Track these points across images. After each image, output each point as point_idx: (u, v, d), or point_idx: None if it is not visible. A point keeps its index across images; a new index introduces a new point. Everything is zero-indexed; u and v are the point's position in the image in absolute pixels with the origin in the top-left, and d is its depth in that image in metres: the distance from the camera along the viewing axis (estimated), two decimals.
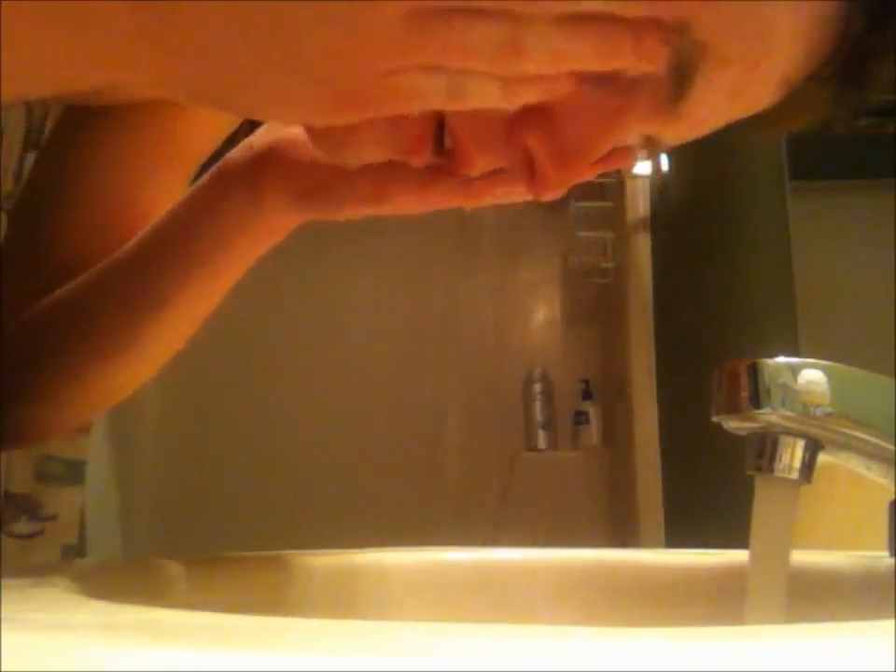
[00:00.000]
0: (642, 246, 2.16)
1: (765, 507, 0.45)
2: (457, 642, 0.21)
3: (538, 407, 2.65)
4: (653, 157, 2.14)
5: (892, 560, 0.49)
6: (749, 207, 1.77)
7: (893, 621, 0.20)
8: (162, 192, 0.64)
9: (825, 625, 0.21)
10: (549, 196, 0.42)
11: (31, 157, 1.51)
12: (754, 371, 0.43)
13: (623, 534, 2.30)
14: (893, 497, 0.49)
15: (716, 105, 0.40)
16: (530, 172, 0.41)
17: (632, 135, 0.41)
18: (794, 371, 0.43)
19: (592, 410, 2.66)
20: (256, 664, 0.18)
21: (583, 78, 0.39)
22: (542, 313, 2.91)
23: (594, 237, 2.55)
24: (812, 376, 0.42)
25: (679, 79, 0.38)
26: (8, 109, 0.73)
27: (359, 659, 0.19)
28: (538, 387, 2.67)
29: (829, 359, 0.44)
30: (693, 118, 0.40)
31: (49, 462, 1.41)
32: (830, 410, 0.43)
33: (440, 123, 0.40)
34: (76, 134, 0.65)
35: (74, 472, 1.41)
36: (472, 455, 2.69)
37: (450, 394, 2.75)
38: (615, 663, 0.18)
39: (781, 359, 0.43)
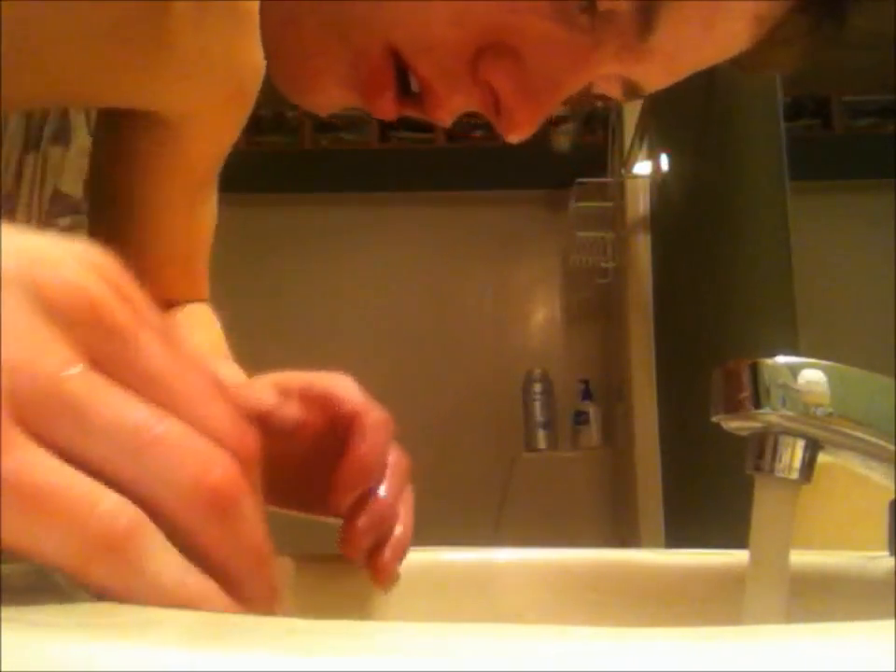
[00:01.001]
0: (642, 246, 2.16)
1: (765, 507, 0.45)
2: (457, 642, 0.21)
3: (538, 407, 2.65)
4: (653, 157, 2.14)
5: (892, 560, 0.49)
6: (749, 207, 1.77)
7: (893, 621, 0.20)
8: (165, 201, 0.68)
9: (825, 625, 0.21)
10: (518, 134, 0.41)
11: (31, 157, 1.52)
12: (754, 371, 0.43)
13: (622, 534, 2.30)
14: (893, 496, 0.49)
15: (687, 38, 0.40)
16: (496, 109, 0.41)
17: (603, 72, 0.41)
18: (794, 371, 0.43)
19: (592, 410, 2.66)
20: (256, 663, 0.18)
21: (550, 16, 0.39)
22: (542, 313, 2.91)
23: (594, 237, 2.55)
24: (812, 376, 0.42)
25: (645, 10, 0.38)
26: (9, 111, 0.75)
27: (359, 659, 0.19)
28: (538, 387, 2.67)
29: (829, 359, 0.44)
30: (665, 53, 0.40)
31: None
32: (830, 410, 0.43)
33: (402, 68, 0.40)
34: (112, 145, 0.66)
35: None
36: (472, 455, 2.69)
37: (450, 394, 2.75)
38: (615, 663, 0.18)
39: (781, 359, 0.43)
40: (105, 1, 0.47)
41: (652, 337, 2.10)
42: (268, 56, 0.44)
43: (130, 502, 0.23)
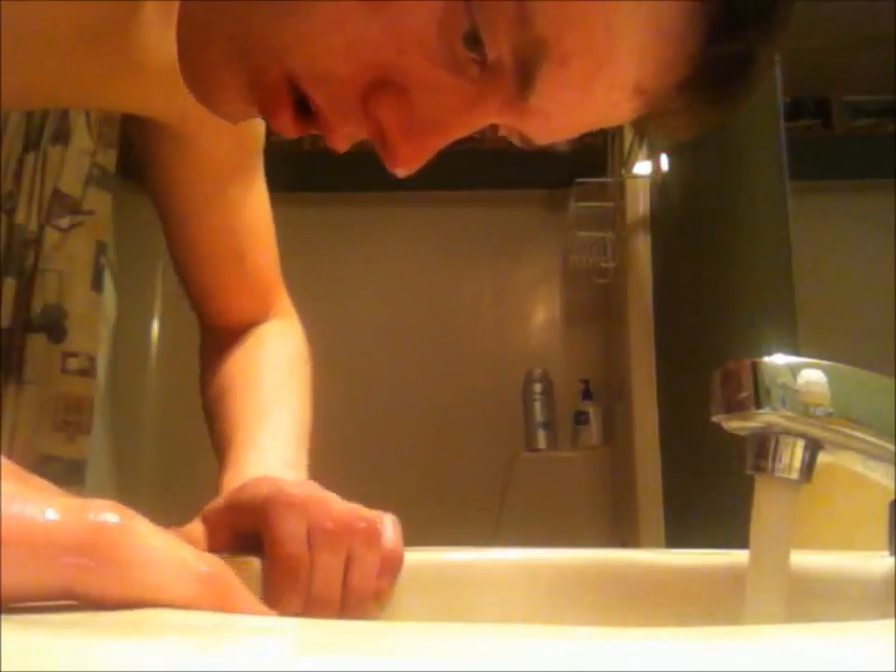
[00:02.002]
0: (642, 246, 2.16)
1: (765, 507, 0.45)
2: (457, 642, 0.21)
3: (538, 407, 2.65)
4: (653, 157, 2.14)
5: (892, 560, 0.49)
6: (749, 207, 1.77)
7: (893, 621, 0.20)
8: (200, 201, 0.71)
9: (825, 625, 0.21)
10: (401, 169, 0.43)
11: (31, 157, 1.51)
12: (754, 371, 0.43)
13: (622, 534, 2.30)
14: (893, 496, 0.49)
15: (566, 102, 0.41)
16: (383, 143, 0.42)
17: (485, 122, 0.42)
18: (794, 371, 0.43)
19: (592, 410, 2.65)
20: (256, 663, 0.18)
21: (438, 61, 0.40)
22: (542, 313, 2.91)
23: (594, 237, 2.55)
24: (812, 376, 0.42)
25: (524, 72, 0.40)
26: (9, 112, 0.77)
27: (359, 659, 0.19)
28: (538, 387, 2.67)
29: (829, 359, 0.44)
30: (544, 112, 0.41)
31: (49, 462, 1.41)
32: (830, 410, 0.43)
33: (299, 93, 0.41)
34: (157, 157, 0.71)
35: (74, 472, 1.40)
36: (472, 455, 2.69)
37: (450, 394, 2.75)
38: (615, 662, 0.18)
39: (781, 359, 0.43)
40: (72, 2, 0.48)
41: (652, 337, 2.10)
42: (181, 64, 0.45)
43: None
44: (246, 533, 0.54)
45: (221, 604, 0.28)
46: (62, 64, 0.51)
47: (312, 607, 0.51)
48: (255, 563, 0.53)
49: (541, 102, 0.41)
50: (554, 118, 0.42)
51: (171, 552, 0.27)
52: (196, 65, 0.44)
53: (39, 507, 0.25)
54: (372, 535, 0.53)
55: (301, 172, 2.74)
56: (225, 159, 0.70)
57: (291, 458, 0.65)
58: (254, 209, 0.74)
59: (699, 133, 0.45)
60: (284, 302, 0.80)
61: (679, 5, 0.39)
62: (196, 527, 0.55)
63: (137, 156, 0.71)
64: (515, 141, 0.44)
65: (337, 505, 0.54)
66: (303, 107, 0.42)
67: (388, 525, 0.55)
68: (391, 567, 0.54)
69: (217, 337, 0.76)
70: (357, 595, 0.52)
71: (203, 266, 0.74)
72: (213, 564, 0.28)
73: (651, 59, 0.40)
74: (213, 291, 0.76)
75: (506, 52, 0.39)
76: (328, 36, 0.40)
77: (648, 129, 0.45)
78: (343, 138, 0.43)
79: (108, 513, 0.26)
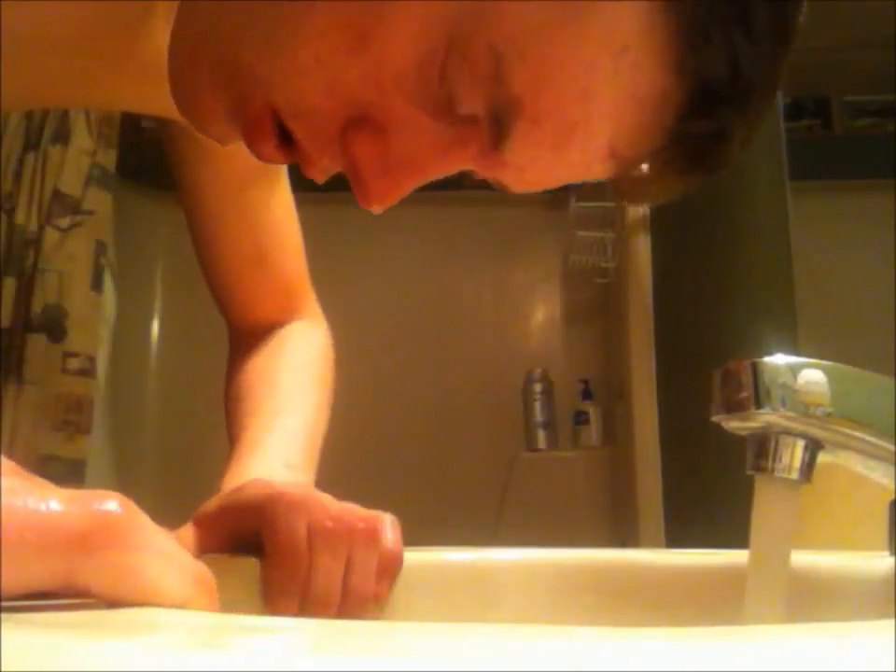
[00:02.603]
0: (642, 246, 2.16)
1: (765, 507, 0.45)
2: (457, 642, 0.21)
3: (538, 407, 2.65)
4: None
5: (892, 560, 0.49)
6: (749, 207, 1.77)
7: (893, 621, 0.20)
8: (220, 201, 0.72)
9: (825, 625, 0.21)
10: (374, 205, 0.44)
11: (31, 157, 1.51)
12: (754, 371, 0.43)
13: (622, 534, 2.30)
14: (893, 496, 0.49)
15: (540, 159, 0.41)
16: (356, 179, 0.43)
17: (460, 167, 0.43)
18: (794, 371, 0.43)
19: (592, 410, 2.65)
20: (256, 663, 0.18)
21: (417, 103, 0.40)
22: (542, 313, 2.91)
23: (594, 237, 2.55)
24: (812, 376, 0.42)
25: (498, 128, 0.40)
26: (9, 112, 0.77)
27: (359, 659, 0.19)
28: (538, 387, 2.66)
29: (829, 359, 0.44)
30: (518, 166, 0.42)
31: (49, 462, 1.40)
32: (830, 410, 0.43)
33: (281, 123, 0.42)
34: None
35: (74, 472, 1.40)
36: (472, 455, 2.69)
37: (450, 394, 2.75)
38: (615, 662, 0.18)
39: (781, 359, 0.43)
40: (80, 2, 0.48)
41: (652, 337, 2.10)
42: (171, 85, 0.45)
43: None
44: (241, 535, 0.54)
45: (211, 605, 0.28)
46: (69, 65, 0.51)
47: (311, 607, 0.51)
48: (253, 563, 0.53)
49: (515, 157, 0.41)
50: (528, 172, 0.42)
51: (171, 546, 0.27)
52: (184, 88, 0.45)
53: (41, 498, 0.25)
54: (372, 535, 0.53)
55: (299, 171, 2.73)
56: (247, 159, 0.70)
57: (295, 461, 0.65)
58: (277, 210, 0.74)
59: (671, 200, 0.46)
60: (310, 304, 0.80)
61: (655, 78, 0.39)
62: (187, 531, 0.55)
63: (166, 157, 0.71)
64: (494, 185, 0.45)
65: (335, 505, 0.54)
66: (286, 137, 0.43)
67: (388, 526, 0.55)
68: (390, 568, 0.54)
69: (242, 338, 0.77)
70: (357, 596, 0.52)
71: (226, 267, 0.75)
72: (202, 566, 0.29)
73: (626, 125, 0.40)
74: (236, 292, 0.76)
75: (480, 106, 0.40)
76: (310, 73, 0.40)
77: (621, 190, 0.46)
78: (321, 171, 0.44)
79: (111, 502, 0.26)
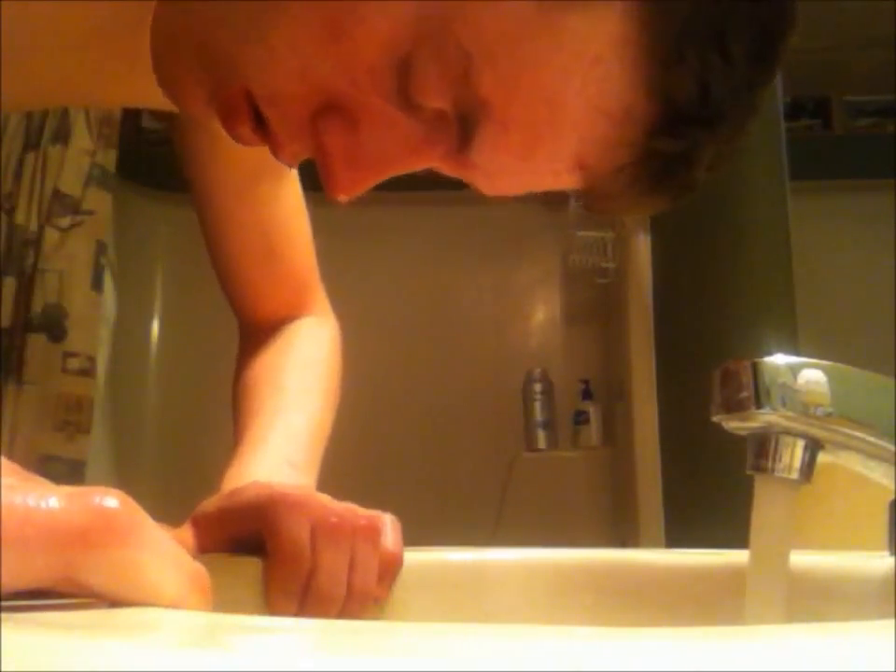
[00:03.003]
0: (642, 246, 2.16)
1: (765, 507, 0.45)
2: (457, 642, 0.21)
3: (538, 407, 2.65)
4: None
5: (892, 560, 0.49)
6: (749, 207, 1.77)
7: (893, 621, 0.20)
8: (228, 192, 0.72)
9: (825, 625, 0.21)
10: (340, 194, 0.44)
11: (31, 156, 1.51)
12: (754, 371, 0.43)
13: (622, 534, 2.30)
14: (893, 496, 0.49)
15: (505, 164, 0.41)
16: (323, 166, 0.43)
17: (428, 164, 0.43)
18: (794, 371, 0.43)
19: (592, 410, 2.65)
20: (256, 663, 0.18)
21: (389, 97, 0.41)
22: (542, 313, 2.91)
23: (594, 237, 2.55)
24: (812, 376, 0.42)
25: (464, 129, 0.40)
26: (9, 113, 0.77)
27: (360, 659, 0.19)
28: (538, 387, 2.66)
29: (829, 359, 0.44)
30: (484, 170, 0.42)
31: (49, 462, 1.41)
32: (830, 410, 0.43)
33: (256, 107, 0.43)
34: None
35: (74, 472, 1.40)
36: (472, 455, 2.69)
37: (450, 394, 2.75)
38: (615, 662, 0.18)
39: (781, 359, 0.43)
40: (88, 2, 0.48)
41: (652, 337, 2.10)
42: (154, 66, 0.46)
43: None
44: (240, 537, 0.54)
45: (205, 605, 0.28)
46: (84, 62, 0.51)
47: (315, 605, 0.51)
48: (253, 563, 0.53)
49: (482, 160, 0.41)
50: (495, 177, 0.43)
51: (169, 544, 0.27)
52: (165, 70, 0.46)
53: (41, 495, 0.25)
54: (374, 533, 0.53)
55: (301, 172, 2.73)
56: (257, 155, 0.70)
57: (298, 461, 0.65)
58: (286, 206, 0.74)
59: (639, 217, 0.46)
60: (320, 301, 0.80)
61: (624, 93, 0.39)
62: (185, 531, 0.55)
63: (175, 152, 0.71)
64: (467, 184, 0.45)
65: (336, 505, 0.54)
66: (262, 121, 0.43)
67: (388, 526, 0.55)
68: (390, 568, 0.54)
69: (251, 334, 0.77)
70: (359, 593, 0.52)
71: (235, 262, 0.75)
72: (199, 565, 0.29)
73: (593, 138, 0.40)
74: (245, 287, 0.76)
75: (447, 104, 0.40)
76: (284, 60, 0.41)
77: (589, 203, 0.46)
78: (291, 155, 0.45)
79: (110, 499, 0.26)
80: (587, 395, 2.70)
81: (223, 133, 0.68)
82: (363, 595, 0.53)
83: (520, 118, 0.39)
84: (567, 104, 0.39)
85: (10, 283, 1.46)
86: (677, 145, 0.41)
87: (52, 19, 0.48)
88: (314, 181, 0.75)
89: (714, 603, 0.54)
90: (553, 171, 0.42)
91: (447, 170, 0.44)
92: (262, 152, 0.70)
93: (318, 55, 0.40)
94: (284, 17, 0.40)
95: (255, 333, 0.76)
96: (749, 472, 0.45)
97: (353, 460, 2.50)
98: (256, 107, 0.43)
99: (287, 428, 0.67)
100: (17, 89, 0.52)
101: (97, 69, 0.53)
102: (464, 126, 0.40)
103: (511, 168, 0.42)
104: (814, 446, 0.44)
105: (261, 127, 0.43)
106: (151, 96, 0.59)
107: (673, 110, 0.39)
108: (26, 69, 0.50)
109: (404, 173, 0.44)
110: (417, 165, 0.43)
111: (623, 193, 0.43)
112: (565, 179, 0.42)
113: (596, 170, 0.42)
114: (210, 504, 0.57)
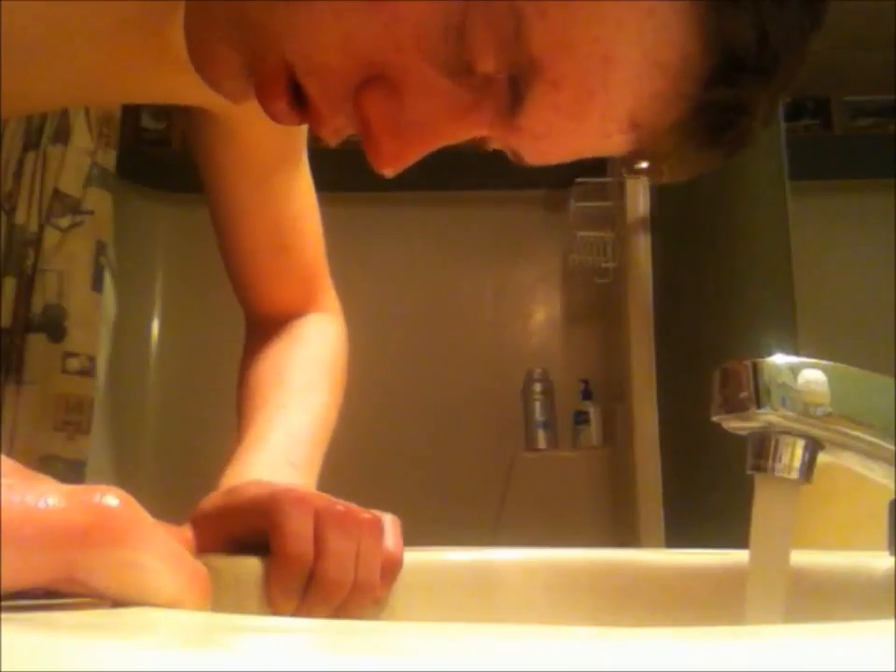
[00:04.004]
0: (642, 246, 2.16)
1: (765, 507, 0.45)
2: (457, 642, 0.21)
3: (538, 407, 2.65)
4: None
5: (892, 560, 0.49)
6: (749, 207, 1.77)
7: (893, 621, 0.20)
8: (240, 189, 0.72)
9: (825, 625, 0.21)
10: (386, 167, 0.42)
11: (31, 157, 1.51)
12: (754, 371, 0.43)
13: (622, 534, 2.30)
14: (893, 496, 0.49)
15: (557, 126, 0.40)
16: (368, 139, 0.42)
17: (475, 133, 0.42)
18: (794, 371, 0.43)
19: (592, 410, 2.65)
20: (256, 663, 0.18)
21: (435, 63, 0.39)
22: (542, 313, 2.91)
23: (594, 237, 2.55)
24: (812, 376, 0.42)
25: (515, 89, 0.39)
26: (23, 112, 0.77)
27: (360, 659, 0.19)
28: (538, 387, 2.66)
29: (829, 359, 0.44)
30: (534, 133, 0.41)
31: (49, 462, 1.41)
32: (830, 410, 0.42)
33: (295, 81, 0.42)
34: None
35: (74, 472, 1.40)
36: (472, 455, 2.69)
37: (450, 394, 2.75)
38: (615, 662, 0.18)
39: (781, 359, 0.43)
40: (111, 1, 0.48)
41: (652, 337, 2.10)
42: (187, 42, 0.45)
43: None
44: (240, 536, 0.53)
45: (204, 604, 0.28)
46: (106, 59, 0.51)
47: (320, 593, 0.51)
48: (253, 563, 0.53)
49: (532, 123, 0.40)
50: (544, 140, 0.41)
51: (169, 542, 0.27)
52: (199, 42, 0.44)
53: (40, 494, 0.25)
54: (376, 528, 0.53)
55: None
56: (269, 148, 0.70)
57: (297, 459, 0.65)
58: (298, 201, 0.74)
59: (689, 178, 0.45)
60: (328, 297, 0.80)
61: (681, 43, 0.38)
62: (185, 531, 0.55)
63: (189, 146, 0.71)
64: (510, 156, 0.44)
65: (338, 502, 0.54)
66: (299, 97, 0.42)
67: (388, 526, 0.55)
68: (391, 568, 0.54)
69: (258, 329, 0.76)
70: (362, 588, 0.52)
71: (245, 256, 0.74)
72: (199, 564, 0.29)
73: (648, 93, 0.39)
74: (255, 280, 0.76)
75: (499, 66, 0.39)
76: (326, 29, 0.39)
77: (638, 167, 0.45)
78: (333, 131, 0.43)
79: (110, 497, 0.26)
80: (587, 395, 2.70)
81: (239, 125, 0.67)
82: (366, 588, 0.52)
83: (572, 75, 0.38)
84: (621, 58, 0.38)
85: (10, 283, 1.46)
86: (733, 94, 0.40)
87: (79, 13, 0.47)
88: (316, 182, 0.75)
89: (714, 603, 0.54)
90: (605, 132, 0.41)
91: (493, 137, 0.42)
92: (278, 145, 0.70)
93: (362, 21, 0.39)
94: None
95: (262, 328, 0.76)
96: (749, 472, 0.45)
97: (353, 460, 2.50)
98: (295, 83, 0.41)
99: (289, 427, 0.66)
100: (42, 87, 0.52)
101: (125, 65, 0.52)
102: (514, 88, 0.39)
103: (561, 130, 0.40)
104: (814, 446, 0.44)
105: (300, 103, 0.42)
106: (178, 91, 0.58)
107: (730, 58, 0.38)
108: (52, 66, 0.49)
109: (450, 143, 0.42)
110: (464, 134, 0.42)
111: (676, 151, 0.42)
112: (616, 140, 0.41)
113: (650, 128, 0.40)
114: (209, 503, 0.56)
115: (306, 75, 0.41)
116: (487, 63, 0.39)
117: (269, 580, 0.52)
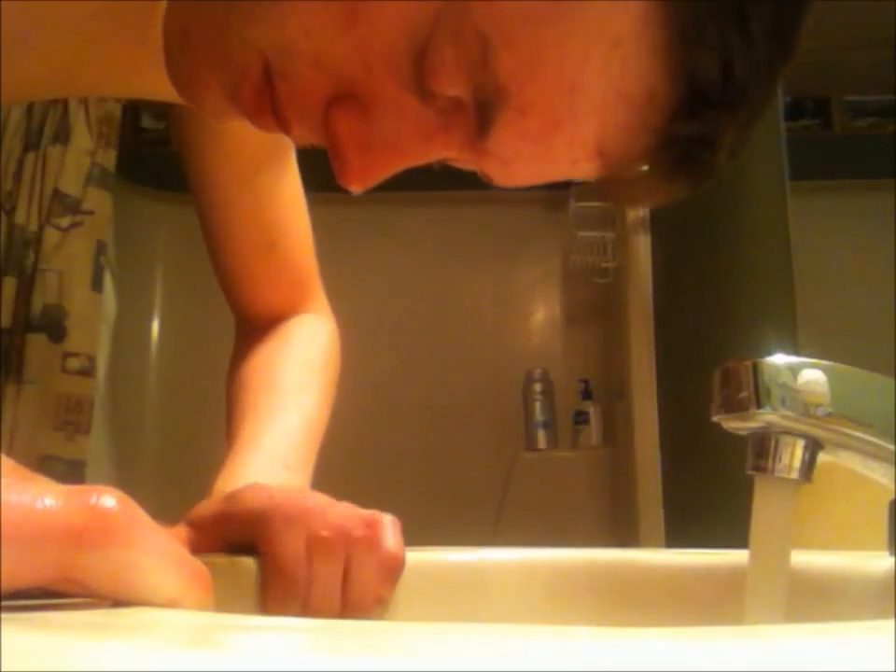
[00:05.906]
0: (642, 246, 2.16)
1: (765, 507, 0.45)
2: (457, 642, 0.21)
3: (538, 407, 2.65)
4: None
5: (892, 560, 0.49)
6: (749, 207, 1.77)
7: (893, 621, 0.20)
8: (226, 184, 0.72)
9: (825, 625, 0.21)
10: (353, 184, 0.43)
11: (31, 157, 1.50)
12: (754, 371, 0.43)
13: (622, 534, 2.30)
14: (893, 496, 0.49)
15: (523, 151, 0.41)
16: (335, 155, 0.42)
17: (443, 154, 0.42)
18: (794, 371, 0.43)
19: (592, 410, 2.65)
20: (256, 663, 0.18)
21: (405, 85, 0.40)
22: (542, 313, 2.91)
23: (594, 237, 2.55)
24: (812, 376, 0.42)
25: (482, 115, 0.40)
26: (9, 110, 0.77)
27: (360, 659, 0.19)
28: (538, 387, 2.66)
29: (829, 359, 0.44)
30: (502, 157, 0.41)
31: (49, 462, 1.40)
32: (830, 410, 0.43)
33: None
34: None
35: (74, 472, 1.40)
36: (472, 455, 2.69)
37: (450, 394, 2.75)
38: (615, 662, 0.18)
39: (781, 359, 0.43)
40: None
41: (652, 337, 2.10)
42: (166, 62, 0.45)
43: None
44: (236, 545, 0.53)
45: (205, 604, 0.28)
46: (84, 50, 0.51)
47: (310, 615, 0.51)
48: (252, 563, 0.53)
49: (499, 147, 0.41)
50: (512, 164, 0.42)
51: (168, 542, 0.27)
52: (178, 63, 0.45)
53: (39, 494, 0.25)
54: (371, 540, 0.53)
55: (301, 172, 2.73)
56: (256, 147, 0.70)
57: (291, 461, 0.64)
58: (286, 200, 0.74)
59: (656, 207, 0.45)
60: (317, 297, 0.79)
61: (646, 76, 0.38)
62: (181, 531, 0.55)
63: (176, 144, 0.71)
64: (480, 176, 0.44)
65: (334, 510, 0.54)
66: (274, 97, 0.42)
67: (388, 528, 0.54)
68: (392, 570, 0.54)
69: (247, 330, 0.76)
70: (355, 604, 0.52)
71: (233, 256, 0.74)
72: (198, 563, 0.29)
73: (613, 124, 0.39)
74: (243, 282, 0.75)
75: (466, 92, 0.39)
76: (298, 44, 0.40)
77: (607, 191, 0.45)
78: (297, 137, 0.44)
79: (108, 498, 0.26)
80: (587, 395, 2.70)
81: (225, 124, 0.67)
82: (359, 603, 0.52)
83: (539, 103, 0.39)
84: (586, 89, 0.38)
85: (10, 283, 1.45)
86: (699, 128, 0.40)
87: (63, 4, 0.47)
88: (315, 182, 0.75)
89: (714, 603, 0.54)
90: (572, 158, 0.41)
91: (462, 160, 0.43)
92: (263, 144, 0.70)
93: (333, 41, 0.39)
94: (300, 3, 0.39)
95: (251, 329, 0.76)
96: (749, 472, 0.45)
97: (353, 460, 2.51)
98: (271, 85, 0.41)
99: (282, 428, 0.66)
100: (21, 75, 0.52)
101: (101, 55, 0.52)
102: (481, 113, 0.40)
103: (528, 156, 0.41)
104: (814, 446, 0.44)
105: (272, 103, 0.42)
106: (158, 87, 0.58)
107: (695, 91, 0.39)
108: (31, 54, 0.49)
109: (418, 164, 0.43)
110: (432, 155, 0.42)
111: (642, 180, 0.43)
112: (582, 167, 0.42)
113: (616, 156, 0.41)
114: (207, 507, 0.56)
115: (280, 77, 0.41)
116: (454, 88, 0.39)
117: (262, 597, 0.52)
